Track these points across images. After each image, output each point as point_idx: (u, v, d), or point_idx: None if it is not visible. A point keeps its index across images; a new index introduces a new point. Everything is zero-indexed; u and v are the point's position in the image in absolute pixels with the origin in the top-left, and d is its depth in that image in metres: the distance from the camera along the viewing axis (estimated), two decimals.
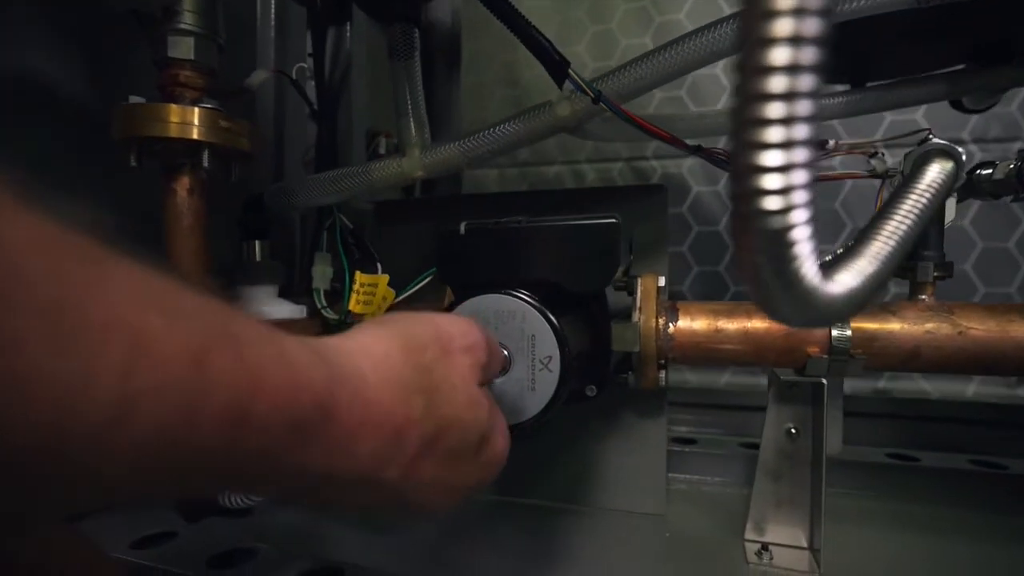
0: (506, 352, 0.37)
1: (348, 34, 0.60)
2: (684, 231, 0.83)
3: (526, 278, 0.38)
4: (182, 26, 0.37)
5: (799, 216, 0.15)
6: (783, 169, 0.15)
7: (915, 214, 0.26)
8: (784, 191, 0.15)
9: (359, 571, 0.38)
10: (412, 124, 0.46)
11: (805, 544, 0.48)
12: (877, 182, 0.49)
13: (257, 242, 0.51)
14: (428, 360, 0.25)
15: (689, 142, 0.46)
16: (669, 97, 0.87)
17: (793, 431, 0.48)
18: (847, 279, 0.22)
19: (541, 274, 0.38)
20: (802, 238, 0.16)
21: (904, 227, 0.25)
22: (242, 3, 0.58)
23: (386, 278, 0.49)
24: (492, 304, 0.37)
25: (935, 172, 0.29)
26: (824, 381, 0.44)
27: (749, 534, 0.49)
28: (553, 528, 0.52)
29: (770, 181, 0.15)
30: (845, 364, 0.43)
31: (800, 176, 0.15)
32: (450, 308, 0.38)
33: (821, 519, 0.45)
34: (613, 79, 0.40)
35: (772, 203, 0.15)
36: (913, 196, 0.27)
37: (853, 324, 0.43)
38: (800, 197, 0.15)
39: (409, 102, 0.46)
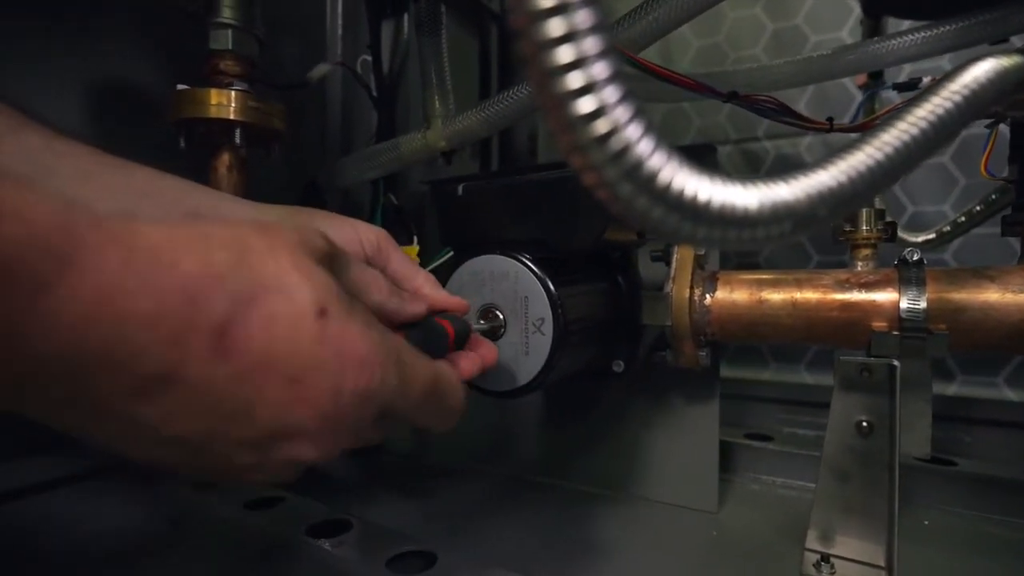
0: (500, 314, 0.36)
1: (405, 25, 0.63)
2: None
3: (522, 237, 0.37)
4: (221, 20, 0.42)
5: (609, 95, 0.12)
6: (569, 38, 0.12)
7: (928, 121, 0.20)
8: (577, 63, 0.12)
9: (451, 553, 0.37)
10: (436, 96, 0.46)
11: (882, 562, 0.40)
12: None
13: None
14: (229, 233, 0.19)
15: None
16: (706, 45, 0.80)
17: (865, 425, 0.40)
18: (779, 192, 0.18)
19: (533, 232, 0.36)
20: (622, 118, 0.13)
21: (907, 136, 0.20)
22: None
23: (415, 249, 0.50)
24: (487, 265, 0.37)
25: (982, 70, 0.22)
26: (896, 363, 0.36)
27: (811, 543, 0.42)
28: (590, 515, 0.49)
29: (562, 55, 0.12)
30: (923, 342, 0.35)
31: (591, 45, 0.12)
32: (450, 272, 0.38)
33: (894, 532, 0.37)
34: (623, 26, 0.37)
35: (573, 81, 0.12)
36: (935, 99, 0.21)
37: (933, 293, 0.35)
38: (599, 71, 0.12)
39: (434, 75, 0.47)
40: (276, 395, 0.19)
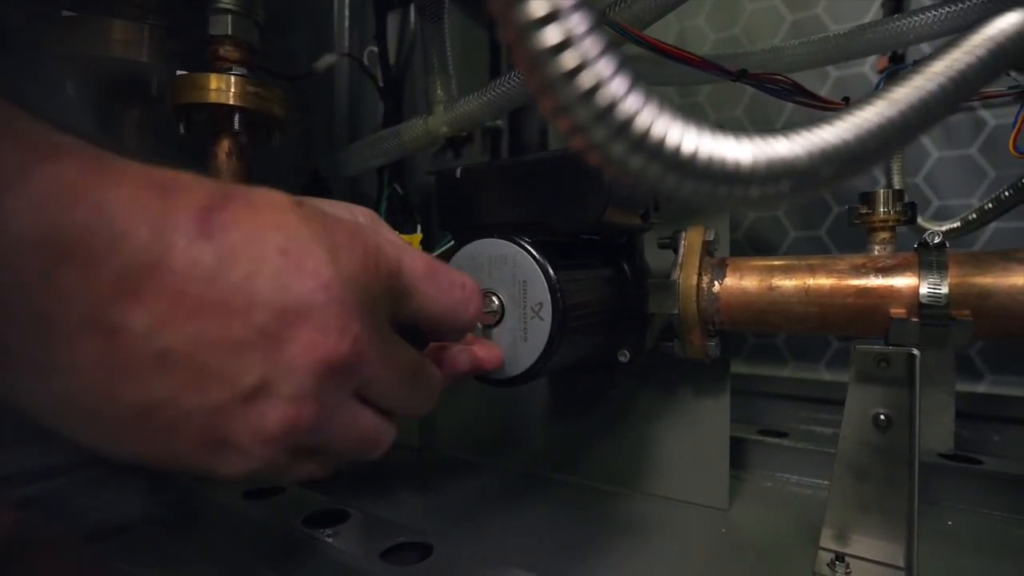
0: (496, 299, 0.35)
1: (412, 16, 0.63)
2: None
3: (522, 220, 0.36)
4: (220, 5, 0.41)
5: (575, 23, 0.11)
6: None
7: (947, 77, 0.19)
8: None
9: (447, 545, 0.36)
10: (438, 81, 0.46)
11: (901, 563, 0.38)
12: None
13: None
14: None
15: None
16: (723, 37, 0.78)
17: (882, 418, 0.38)
18: (776, 148, 0.16)
19: (533, 214, 0.35)
20: (590, 52, 0.11)
21: (923, 92, 0.18)
22: None
23: (418, 237, 0.50)
24: (486, 249, 0.35)
25: (1008, 22, 0.20)
26: (916, 352, 0.34)
27: (826, 541, 0.40)
28: (594, 511, 0.48)
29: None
30: (945, 330, 0.33)
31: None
32: (448, 258, 0.37)
33: (914, 531, 0.35)
34: (626, 2, 0.36)
35: (537, 8, 0.11)
36: (955, 53, 0.20)
37: (956, 277, 0.33)
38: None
39: (436, 60, 0.46)
40: (272, 266, 0.17)
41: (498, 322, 0.35)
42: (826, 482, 0.51)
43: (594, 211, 0.33)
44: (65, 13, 0.34)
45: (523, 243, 0.34)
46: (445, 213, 0.39)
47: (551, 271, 0.33)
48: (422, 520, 0.45)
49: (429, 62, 0.46)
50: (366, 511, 0.41)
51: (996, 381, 0.63)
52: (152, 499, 0.44)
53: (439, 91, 0.46)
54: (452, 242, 0.48)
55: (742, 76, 0.37)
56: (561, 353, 0.35)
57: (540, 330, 0.34)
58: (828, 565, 0.38)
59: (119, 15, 0.35)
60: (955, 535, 0.42)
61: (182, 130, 0.42)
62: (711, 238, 0.42)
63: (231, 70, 0.41)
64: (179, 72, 0.41)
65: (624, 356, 0.42)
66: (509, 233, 0.35)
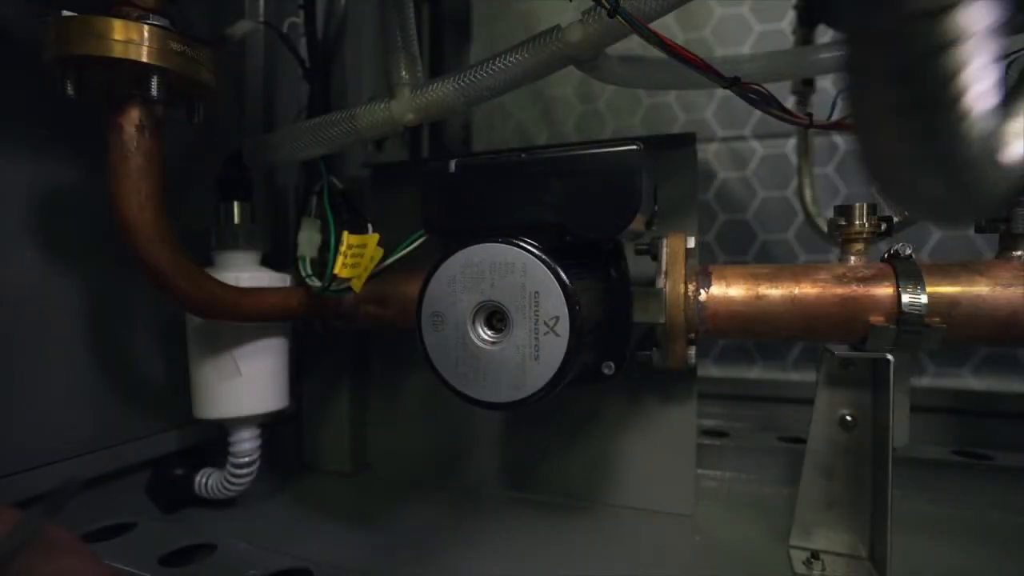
0: (506, 312, 0.31)
1: None
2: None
3: (529, 222, 0.32)
4: None
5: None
6: None
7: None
8: None
9: (327, 570, 0.33)
10: (402, 60, 0.40)
11: (864, 554, 0.40)
12: None
13: (236, 203, 0.46)
14: None
15: None
16: (692, 40, 0.79)
17: (849, 419, 0.40)
18: None
19: (546, 217, 0.32)
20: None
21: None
22: None
23: (376, 237, 0.44)
24: (487, 255, 0.31)
25: None
26: (890, 357, 0.37)
27: (795, 539, 0.42)
28: (563, 528, 0.46)
29: None
30: (918, 336, 0.36)
31: None
32: (437, 264, 0.32)
33: (887, 526, 0.37)
34: None
35: None
36: None
37: (929, 286, 0.36)
38: None
39: (399, 36, 0.40)
40: None
41: (502, 337, 0.31)
42: (765, 476, 0.54)
43: (622, 218, 0.30)
44: (65, 13, 0.31)
45: (536, 250, 0.30)
46: (434, 213, 0.34)
47: (570, 283, 0.30)
48: (364, 557, 0.40)
49: (389, 39, 0.40)
50: (322, 563, 0.35)
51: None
52: None
53: (403, 72, 0.40)
54: (416, 242, 0.43)
55: (735, 83, 0.37)
56: (574, 370, 0.32)
57: (555, 347, 0.30)
58: (804, 563, 0.40)
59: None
60: (954, 532, 0.44)
61: (70, 91, 0.32)
62: (692, 245, 0.41)
63: (147, 19, 0.32)
64: (65, 13, 0.31)
65: (609, 368, 0.39)
66: (512, 236, 0.31)
